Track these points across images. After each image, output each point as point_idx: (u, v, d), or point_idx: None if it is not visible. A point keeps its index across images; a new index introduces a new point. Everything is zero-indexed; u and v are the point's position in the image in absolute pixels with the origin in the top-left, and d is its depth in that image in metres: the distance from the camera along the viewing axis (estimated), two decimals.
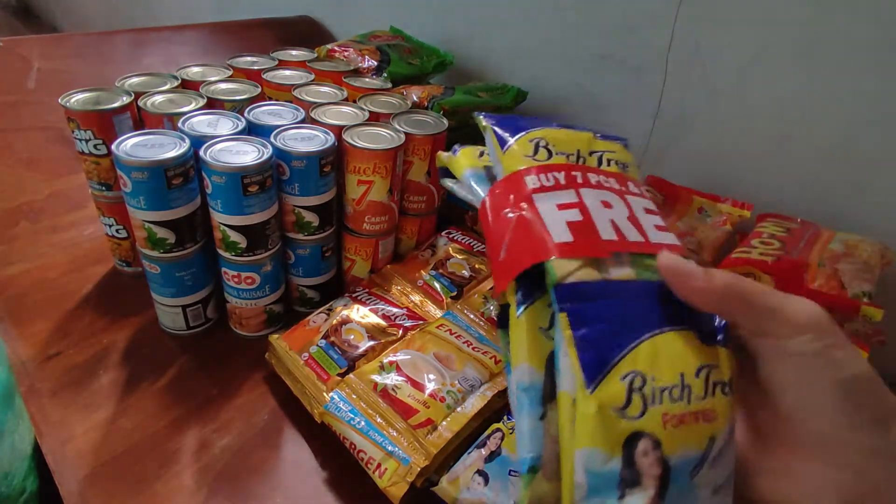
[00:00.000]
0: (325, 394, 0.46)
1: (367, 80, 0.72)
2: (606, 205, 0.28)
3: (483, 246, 0.63)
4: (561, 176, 0.28)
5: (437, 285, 0.58)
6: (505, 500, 0.39)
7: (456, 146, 0.34)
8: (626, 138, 0.34)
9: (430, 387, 0.46)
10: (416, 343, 0.50)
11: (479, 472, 0.40)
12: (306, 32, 1.16)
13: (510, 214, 0.27)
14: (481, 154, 0.34)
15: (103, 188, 0.55)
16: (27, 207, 0.67)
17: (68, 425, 0.46)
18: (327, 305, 0.54)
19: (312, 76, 0.68)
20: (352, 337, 0.50)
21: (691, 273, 0.25)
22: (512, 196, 0.28)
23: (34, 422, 0.46)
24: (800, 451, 0.24)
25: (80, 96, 0.53)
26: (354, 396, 0.45)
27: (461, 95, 0.70)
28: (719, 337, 0.26)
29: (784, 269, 0.48)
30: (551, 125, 0.32)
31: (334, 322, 0.51)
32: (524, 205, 0.27)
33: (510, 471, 0.40)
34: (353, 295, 0.55)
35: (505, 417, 0.45)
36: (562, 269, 0.25)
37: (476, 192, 0.31)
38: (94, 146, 0.52)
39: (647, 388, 0.23)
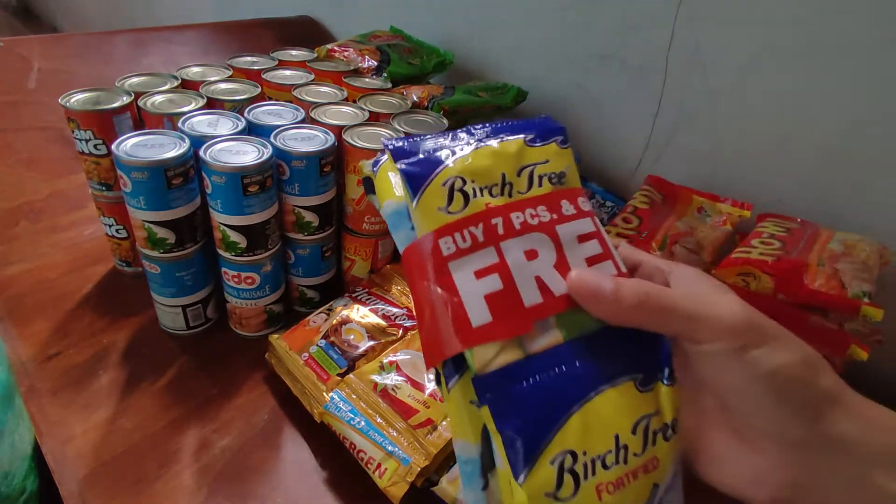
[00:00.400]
0: (325, 394, 0.46)
1: (367, 80, 0.72)
2: (531, 255, 0.26)
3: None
4: (479, 231, 0.26)
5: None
6: None
7: (380, 155, 0.29)
8: (562, 126, 0.30)
9: (430, 386, 0.46)
10: (416, 343, 0.50)
11: None
12: (306, 32, 1.16)
13: (429, 287, 0.25)
14: None
15: (103, 188, 0.55)
16: (27, 207, 0.67)
17: (68, 425, 0.46)
18: (327, 305, 0.54)
19: (312, 76, 0.68)
20: (352, 337, 0.50)
21: (600, 294, 0.25)
22: (427, 264, 0.26)
23: (34, 422, 0.46)
24: (736, 441, 0.25)
25: (80, 96, 0.53)
26: (354, 396, 0.45)
27: (461, 95, 0.70)
28: (662, 374, 0.26)
29: (784, 268, 0.48)
30: (477, 141, 0.28)
31: (334, 322, 0.51)
32: (440, 277, 0.25)
33: None
34: (353, 295, 0.55)
35: None
36: (481, 358, 0.24)
37: (396, 238, 0.28)
38: (94, 146, 0.52)
39: (579, 465, 0.23)
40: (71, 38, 1.04)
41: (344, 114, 0.58)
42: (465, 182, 0.27)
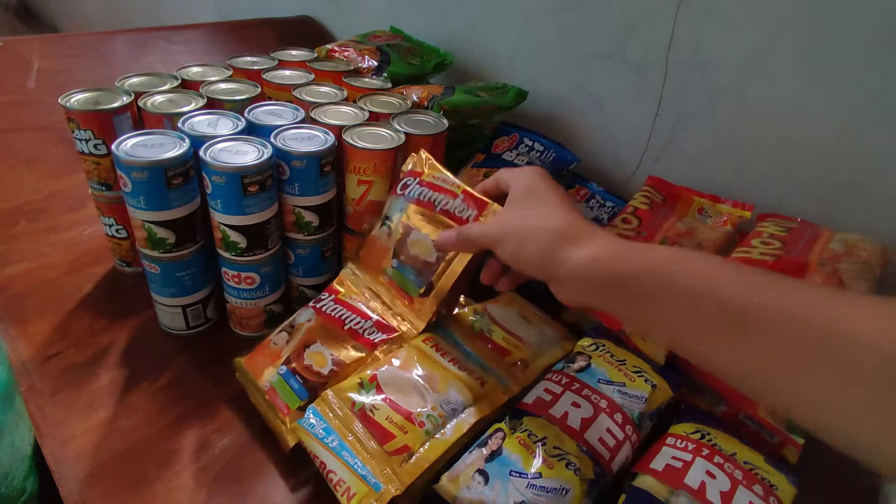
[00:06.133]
0: (285, 430, 0.44)
1: (367, 80, 0.72)
2: None
3: (449, 203, 0.49)
4: None
5: (403, 280, 0.51)
6: (505, 499, 0.39)
7: None
8: None
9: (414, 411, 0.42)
10: (395, 357, 0.46)
11: (480, 472, 0.40)
12: (306, 32, 1.16)
13: None
14: None
15: (103, 188, 0.55)
16: (27, 207, 0.67)
17: (68, 425, 0.45)
18: (289, 320, 0.50)
19: (312, 76, 0.68)
20: (313, 362, 0.46)
21: (447, 245, 0.47)
22: None
23: (34, 422, 0.46)
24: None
25: (80, 96, 0.53)
26: (330, 415, 0.42)
27: (461, 95, 0.70)
28: None
29: (784, 268, 0.48)
30: None
31: (297, 343, 0.47)
32: None
33: (510, 471, 0.40)
34: (318, 306, 0.51)
35: (507, 418, 0.45)
36: None
37: None
38: (94, 146, 0.52)
39: None
40: (71, 38, 1.04)
41: (344, 114, 0.58)
42: None
